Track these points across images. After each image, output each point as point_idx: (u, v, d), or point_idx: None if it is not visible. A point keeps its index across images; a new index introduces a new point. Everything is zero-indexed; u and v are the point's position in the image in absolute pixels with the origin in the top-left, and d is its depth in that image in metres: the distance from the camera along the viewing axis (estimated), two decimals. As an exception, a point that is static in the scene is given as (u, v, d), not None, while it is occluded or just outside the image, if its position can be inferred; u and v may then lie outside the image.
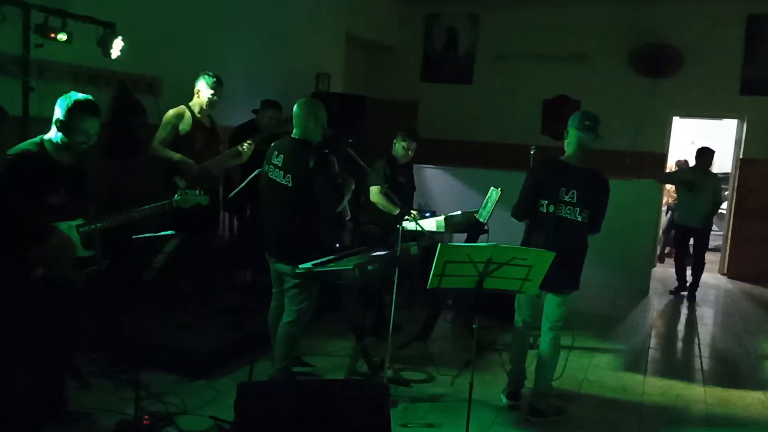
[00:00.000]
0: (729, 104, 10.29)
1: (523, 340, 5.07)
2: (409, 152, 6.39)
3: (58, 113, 3.79)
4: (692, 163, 9.51)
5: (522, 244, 4.73)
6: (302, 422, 3.52)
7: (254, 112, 6.68)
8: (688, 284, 8.97)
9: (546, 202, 4.66)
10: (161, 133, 5.55)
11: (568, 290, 4.78)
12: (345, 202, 4.71)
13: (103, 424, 4.22)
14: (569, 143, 4.74)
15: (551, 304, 4.82)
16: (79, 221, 3.85)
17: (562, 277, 4.64)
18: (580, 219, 4.64)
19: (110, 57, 5.38)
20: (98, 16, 5.32)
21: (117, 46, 5.37)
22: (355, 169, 5.09)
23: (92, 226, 3.89)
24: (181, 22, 6.55)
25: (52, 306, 3.71)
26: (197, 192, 4.39)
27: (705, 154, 8.76)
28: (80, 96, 3.84)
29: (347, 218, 5.03)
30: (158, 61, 6.30)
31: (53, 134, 3.82)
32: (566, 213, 4.63)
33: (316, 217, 4.63)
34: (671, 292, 9.11)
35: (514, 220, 4.89)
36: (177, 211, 5.53)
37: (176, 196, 4.28)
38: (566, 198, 4.62)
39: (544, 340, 4.84)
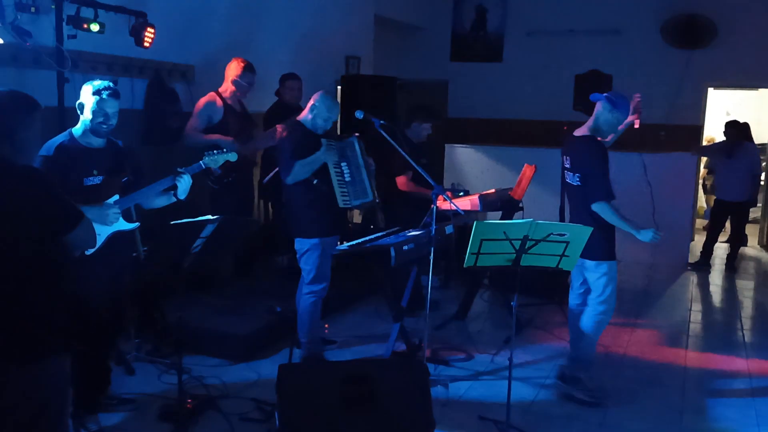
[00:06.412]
0: (765, 74, 10.05)
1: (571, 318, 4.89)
2: (430, 133, 6.33)
3: (81, 97, 3.85)
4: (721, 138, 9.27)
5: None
6: (343, 403, 3.56)
7: (276, 93, 6.70)
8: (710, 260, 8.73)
9: None
10: (194, 123, 5.60)
11: (589, 259, 4.54)
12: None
13: (148, 408, 4.31)
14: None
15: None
16: (115, 197, 3.91)
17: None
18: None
19: (143, 46, 5.42)
20: (129, 6, 5.36)
21: (149, 35, 5.41)
22: (389, 152, 5.07)
23: (128, 199, 3.95)
24: (212, 10, 6.57)
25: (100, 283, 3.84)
26: (224, 150, 4.36)
27: (734, 126, 8.59)
28: (101, 81, 3.88)
29: (376, 201, 5.02)
30: (190, 49, 6.33)
31: (79, 123, 3.89)
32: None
33: (295, 193, 4.90)
34: (690, 266, 8.76)
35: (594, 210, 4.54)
36: (214, 195, 5.57)
37: (205, 157, 4.28)
38: None
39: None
